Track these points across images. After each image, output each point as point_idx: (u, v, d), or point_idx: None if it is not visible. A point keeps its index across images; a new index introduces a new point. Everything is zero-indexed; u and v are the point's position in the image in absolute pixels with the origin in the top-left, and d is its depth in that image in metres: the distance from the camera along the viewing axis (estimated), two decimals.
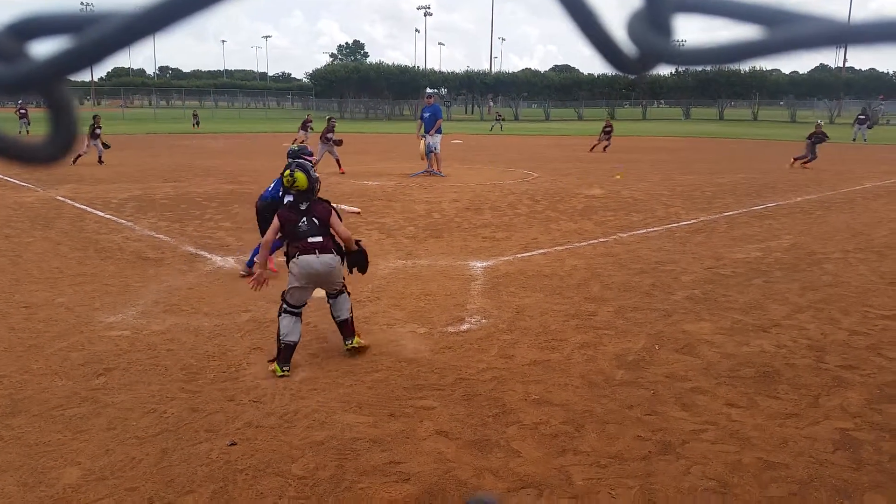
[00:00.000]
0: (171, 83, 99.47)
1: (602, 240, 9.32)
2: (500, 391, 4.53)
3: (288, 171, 5.03)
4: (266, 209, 6.67)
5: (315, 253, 4.84)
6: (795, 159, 19.45)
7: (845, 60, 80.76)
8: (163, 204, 12.13)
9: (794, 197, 13.49)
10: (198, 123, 42.08)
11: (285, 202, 5.35)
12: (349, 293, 5.19)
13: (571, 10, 0.34)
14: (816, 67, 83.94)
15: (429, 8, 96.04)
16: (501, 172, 17.97)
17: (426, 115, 16.85)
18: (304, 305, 4.94)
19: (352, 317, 5.14)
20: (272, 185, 7.17)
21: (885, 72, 75.64)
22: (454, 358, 5.08)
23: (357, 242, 5.16)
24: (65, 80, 0.34)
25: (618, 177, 16.53)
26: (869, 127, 34.00)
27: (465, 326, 5.79)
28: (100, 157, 19.17)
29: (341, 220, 5.06)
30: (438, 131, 16.62)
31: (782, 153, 25.81)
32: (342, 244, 5.05)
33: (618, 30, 0.34)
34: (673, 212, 11.63)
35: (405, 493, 3.37)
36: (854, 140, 33.11)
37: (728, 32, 0.33)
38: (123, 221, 10.40)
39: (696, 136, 37.97)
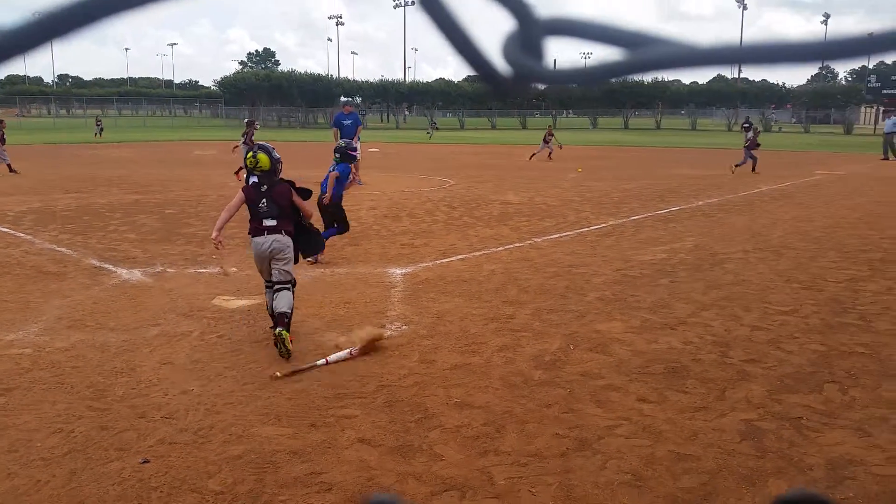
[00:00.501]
0: (72, 91, 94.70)
1: (518, 245, 9.50)
2: (421, 396, 4.54)
3: (251, 154, 5.47)
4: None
5: (264, 234, 5.31)
6: (736, 166, 20.40)
7: (740, 72, 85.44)
8: (64, 216, 11.54)
9: (696, 201, 14.15)
10: (101, 132, 40.30)
11: (250, 182, 5.73)
12: (293, 293, 5.43)
13: (448, 35, 0.36)
14: (714, 78, 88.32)
15: (340, 17, 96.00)
16: (419, 180, 18.06)
17: (346, 122, 16.56)
18: None
19: (290, 314, 5.27)
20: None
21: (776, 83, 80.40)
22: (375, 365, 5.06)
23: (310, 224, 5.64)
24: None
25: (578, 170, 17.29)
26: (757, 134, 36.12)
27: (385, 333, 5.77)
28: (9, 166, 18.14)
29: (305, 198, 5.50)
30: (357, 139, 16.52)
31: (683, 160, 27.06)
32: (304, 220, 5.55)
33: (493, 52, 0.37)
34: (584, 217, 11.98)
35: (327, 503, 3.34)
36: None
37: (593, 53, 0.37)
38: (21, 235, 9.82)
39: (604, 144, 39.27)
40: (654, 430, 4.10)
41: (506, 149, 34.39)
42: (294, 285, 5.50)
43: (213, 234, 5.47)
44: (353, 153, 8.55)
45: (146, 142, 36.75)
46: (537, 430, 4.08)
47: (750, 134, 20.78)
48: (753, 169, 20.26)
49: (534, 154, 25.93)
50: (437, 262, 8.42)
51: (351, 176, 9.52)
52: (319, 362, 5.00)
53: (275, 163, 5.45)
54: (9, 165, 18.24)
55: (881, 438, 4.00)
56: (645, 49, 0.35)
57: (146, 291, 6.95)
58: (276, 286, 5.35)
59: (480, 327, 5.95)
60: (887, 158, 26.34)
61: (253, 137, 16.68)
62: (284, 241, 5.38)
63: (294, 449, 3.83)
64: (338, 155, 8.37)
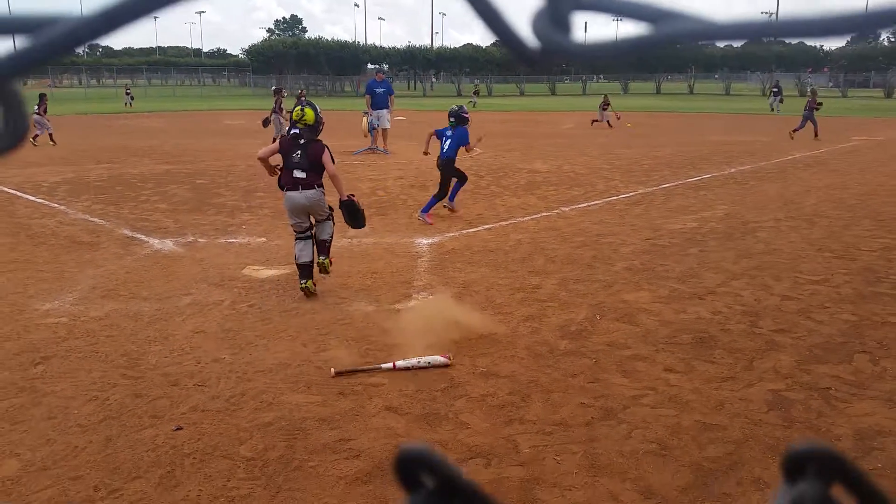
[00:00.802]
0: (102, 61, 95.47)
1: (545, 214, 9.46)
2: (448, 366, 4.58)
3: (299, 107, 5.89)
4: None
5: (298, 189, 5.72)
6: (794, 131, 20.01)
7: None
8: (97, 186, 11.74)
9: (728, 168, 13.90)
10: (132, 101, 40.65)
11: (290, 133, 5.92)
12: (334, 222, 6.04)
13: (479, 9, 0.37)
14: (749, 41, 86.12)
15: None
16: None
17: (379, 90, 16.59)
18: (308, 229, 5.90)
19: (330, 240, 5.99)
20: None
21: (813, 46, 78.00)
22: (402, 335, 5.11)
23: (350, 196, 5.91)
24: (19, 78, 0.35)
25: (629, 125, 16.80)
26: (781, 101, 35.52)
27: (412, 303, 5.83)
28: (50, 135, 18.56)
29: (334, 162, 5.85)
30: (390, 108, 16.61)
31: (717, 125, 26.52)
32: (334, 184, 5.86)
33: (523, 25, 0.37)
34: (612, 185, 11.86)
35: (356, 469, 3.41)
36: (772, 111, 34.47)
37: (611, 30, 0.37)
38: (56, 205, 10.03)
39: (635, 110, 38.62)
40: (680, 399, 4.10)
41: (534, 116, 34.04)
42: (332, 216, 6.04)
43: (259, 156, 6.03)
44: (466, 115, 9.41)
45: (176, 111, 37.04)
46: (562, 400, 4.11)
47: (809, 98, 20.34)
48: (816, 135, 19.75)
49: (595, 120, 25.54)
50: (464, 231, 8.42)
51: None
52: (385, 366, 4.52)
53: (318, 121, 5.87)
54: (50, 135, 18.66)
55: None
56: (668, 23, 0.35)
57: (178, 261, 7.08)
58: (318, 219, 5.95)
59: (507, 297, 5.96)
60: None
61: (283, 105, 16.93)
62: (317, 196, 5.82)
63: (323, 416, 3.91)
64: (452, 119, 9.32)
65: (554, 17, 0.36)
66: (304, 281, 5.82)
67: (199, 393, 4.19)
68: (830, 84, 68.12)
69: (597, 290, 6.12)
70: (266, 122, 17.07)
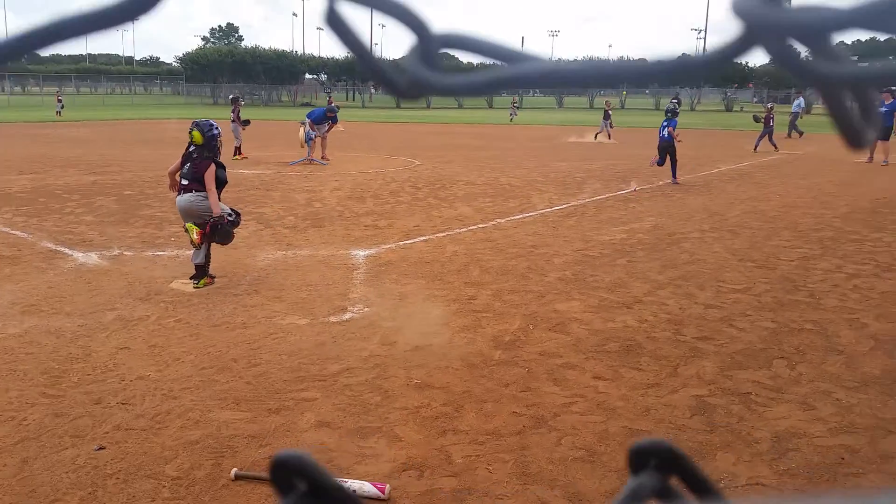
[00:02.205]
0: (28, 68, 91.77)
1: (481, 226, 9.55)
2: (382, 378, 4.58)
3: (190, 128, 6.43)
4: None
5: (180, 193, 6.37)
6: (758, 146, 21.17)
7: (704, 50, 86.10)
8: (19, 198, 11.26)
9: (657, 181, 14.34)
10: (62, 109, 39.13)
11: (188, 148, 6.48)
12: (200, 246, 6.31)
13: (350, 47, 0.40)
14: (679, 57, 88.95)
15: None
16: (383, 160, 17.97)
17: (334, 122, 17.22)
18: None
19: (200, 266, 6.38)
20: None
21: (739, 62, 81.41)
22: (336, 348, 5.08)
23: (219, 218, 6.24)
24: None
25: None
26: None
27: (347, 316, 5.79)
28: None
29: (211, 182, 6.23)
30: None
31: (646, 139, 27.32)
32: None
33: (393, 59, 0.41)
34: (547, 197, 12.08)
35: None
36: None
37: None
38: None
39: (569, 124, 39.46)
40: (608, 406, 4.20)
41: (471, 128, 34.37)
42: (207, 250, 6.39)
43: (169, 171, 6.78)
44: (677, 111, 13.88)
45: (105, 120, 35.90)
46: (495, 409, 4.16)
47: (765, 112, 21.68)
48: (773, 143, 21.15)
49: (597, 133, 25.42)
50: (401, 243, 8.43)
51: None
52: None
53: (208, 139, 6.33)
54: None
55: (824, 412, 4.15)
56: (520, 63, 0.39)
57: (103, 275, 6.85)
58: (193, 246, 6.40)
59: (442, 308, 5.99)
60: (790, 137, 27.01)
61: (240, 113, 17.00)
62: (193, 198, 6.27)
63: (252, 433, 3.84)
64: (669, 113, 14.43)
65: (423, 56, 0.39)
66: (193, 280, 6.41)
67: (122, 411, 4.06)
68: (755, 99, 71.04)
69: (530, 301, 6.21)
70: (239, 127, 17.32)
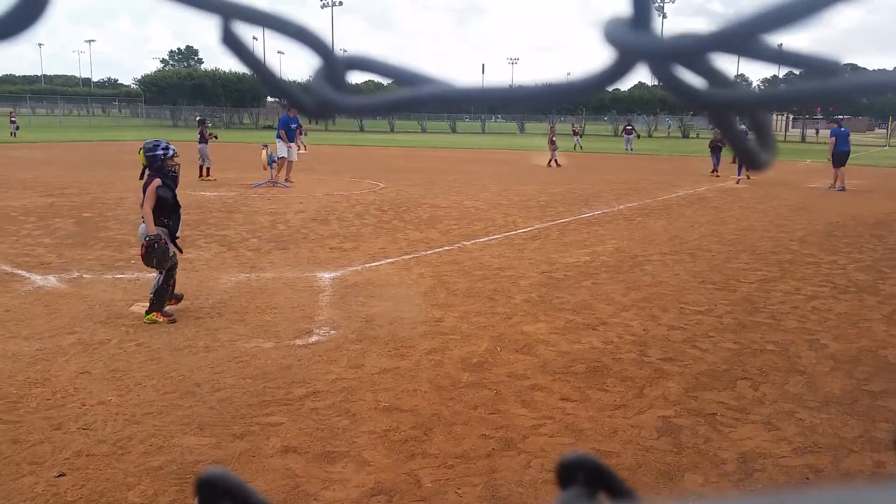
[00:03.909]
0: None
1: (447, 248, 9.58)
2: (349, 401, 4.53)
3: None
4: None
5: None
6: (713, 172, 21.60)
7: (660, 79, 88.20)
8: None
9: (618, 205, 14.58)
10: (17, 130, 38.24)
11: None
12: (160, 273, 6.01)
13: (251, 66, 0.42)
14: (636, 85, 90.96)
15: None
16: (348, 183, 17.94)
17: (294, 125, 17.13)
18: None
19: (155, 294, 5.99)
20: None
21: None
22: (302, 371, 5.02)
23: (153, 237, 5.87)
24: None
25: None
26: (637, 137, 38.69)
27: (313, 338, 5.74)
28: None
29: (147, 203, 5.98)
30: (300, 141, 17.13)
31: (606, 165, 27.81)
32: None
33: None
34: (511, 220, 12.18)
35: None
36: (625, 150, 36.92)
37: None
38: None
39: (531, 149, 39.97)
40: (576, 428, 4.22)
41: (435, 152, 34.56)
42: (162, 270, 6.03)
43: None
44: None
45: (62, 142, 35.17)
46: (464, 432, 4.14)
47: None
48: (714, 170, 21.68)
49: (549, 161, 25.19)
50: (367, 265, 8.40)
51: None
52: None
53: (150, 159, 6.13)
54: None
55: (788, 431, 4.24)
56: (421, 86, 0.41)
57: (62, 298, 6.68)
58: None
59: (409, 331, 5.97)
60: (735, 163, 27.86)
61: (208, 134, 17.44)
62: (140, 229, 6.12)
63: (217, 459, 3.76)
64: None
65: (329, 76, 0.42)
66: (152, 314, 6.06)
67: (83, 437, 3.95)
68: (711, 126, 72.82)
69: (497, 323, 6.23)
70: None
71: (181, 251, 6.32)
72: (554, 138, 25.56)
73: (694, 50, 0.35)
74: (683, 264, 8.79)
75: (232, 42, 0.40)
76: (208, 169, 17.37)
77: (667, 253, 9.48)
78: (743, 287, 7.69)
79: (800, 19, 0.32)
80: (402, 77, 0.40)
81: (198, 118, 19.81)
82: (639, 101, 78.13)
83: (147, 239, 5.88)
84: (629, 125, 40.64)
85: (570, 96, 0.40)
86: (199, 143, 17.28)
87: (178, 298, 6.40)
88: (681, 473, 3.75)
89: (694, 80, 0.36)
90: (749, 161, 0.39)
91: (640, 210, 13.93)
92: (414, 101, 0.40)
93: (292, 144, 16.97)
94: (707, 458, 3.92)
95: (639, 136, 38.54)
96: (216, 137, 17.96)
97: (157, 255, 5.89)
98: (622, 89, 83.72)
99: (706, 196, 16.74)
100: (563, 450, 3.93)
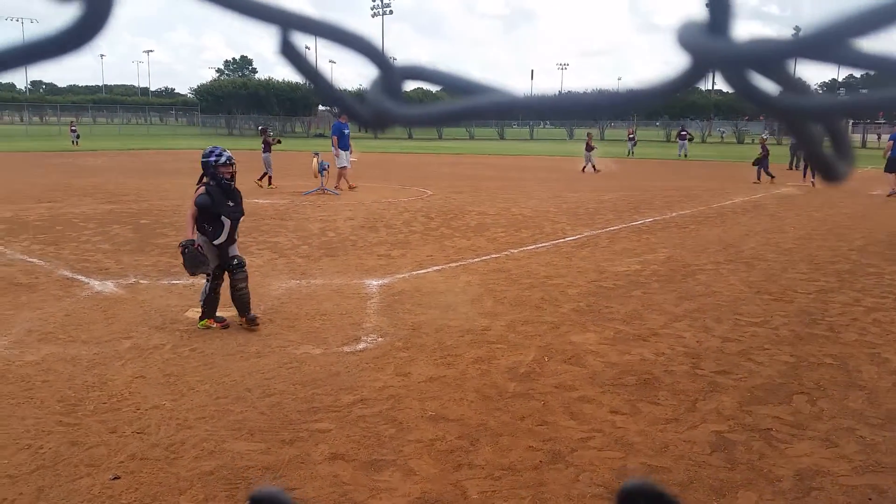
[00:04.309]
0: (45, 98, 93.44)
1: (494, 256, 9.55)
2: (396, 409, 4.54)
3: None
4: None
5: None
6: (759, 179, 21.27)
7: (714, 83, 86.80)
8: (36, 226, 11.38)
9: (670, 212, 14.32)
10: (77, 139, 39.77)
11: None
12: (207, 280, 6.11)
13: (308, 77, 0.41)
14: (628, 90, 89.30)
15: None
16: (396, 190, 18.07)
17: (347, 131, 17.37)
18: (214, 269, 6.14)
19: (202, 300, 6.12)
20: None
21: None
22: (350, 378, 5.06)
23: (184, 243, 5.92)
24: None
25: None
26: (690, 140, 38.05)
27: (361, 346, 5.78)
28: None
29: (189, 208, 6.07)
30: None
31: (657, 171, 27.38)
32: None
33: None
34: (560, 228, 12.07)
35: None
36: (679, 156, 36.24)
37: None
38: None
39: (580, 155, 39.64)
40: (626, 442, 4.14)
41: (482, 159, 34.56)
42: (205, 276, 6.14)
43: None
44: None
45: (121, 150, 36.38)
46: (511, 443, 4.10)
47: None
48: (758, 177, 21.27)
49: (584, 167, 25.52)
50: (414, 273, 8.43)
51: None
52: None
53: (203, 165, 6.11)
54: None
55: (847, 449, 4.07)
56: (478, 96, 0.40)
57: (119, 303, 6.88)
58: None
59: (456, 339, 5.96)
60: (791, 168, 27.11)
61: (273, 139, 18.07)
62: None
63: (267, 464, 3.81)
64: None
65: (386, 87, 0.40)
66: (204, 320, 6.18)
67: (138, 440, 4.05)
68: (766, 132, 71.12)
69: (545, 332, 6.17)
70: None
71: (232, 259, 6.12)
72: (591, 143, 25.68)
73: (776, 56, 0.33)
74: (738, 274, 8.57)
75: (290, 53, 0.39)
76: (270, 178, 17.80)
77: (721, 262, 9.26)
78: (800, 298, 7.45)
79: (891, 22, 0.30)
80: (458, 86, 0.40)
81: (259, 128, 20.49)
82: (692, 106, 76.70)
83: (180, 244, 5.96)
84: (683, 130, 40.05)
85: (638, 104, 0.38)
86: (263, 152, 17.75)
87: (223, 320, 6.16)
88: (734, 490, 3.64)
89: (768, 86, 0.34)
90: (826, 173, 0.37)
91: (692, 217, 13.65)
92: (472, 111, 0.38)
93: (344, 152, 17.17)
94: (762, 475, 3.80)
95: (691, 139, 37.96)
96: (279, 142, 18.52)
97: (186, 260, 5.88)
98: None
99: (762, 203, 16.31)
100: (612, 464, 3.86)
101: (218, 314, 6.18)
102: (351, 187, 17.30)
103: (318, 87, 0.40)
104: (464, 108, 0.39)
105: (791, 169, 26.83)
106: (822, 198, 17.45)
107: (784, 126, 0.37)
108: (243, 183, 6.73)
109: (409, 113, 0.39)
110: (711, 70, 0.35)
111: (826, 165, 0.37)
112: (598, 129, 69.38)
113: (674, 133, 49.96)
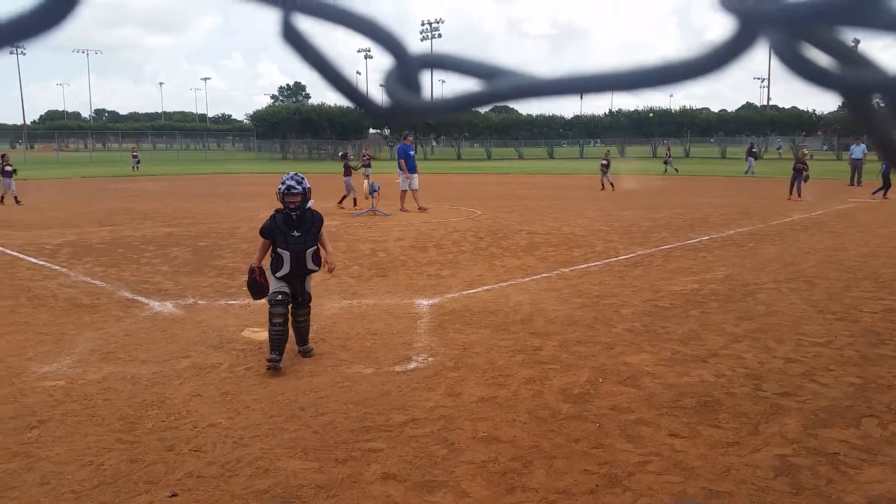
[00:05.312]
0: (108, 126, 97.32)
1: (545, 275, 9.46)
2: (448, 430, 4.51)
3: None
4: None
5: None
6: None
7: (769, 98, 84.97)
8: (98, 249, 11.79)
9: (727, 230, 13.98)
10: (138, 164, 41.23)
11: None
12: (273, 308, 5.75)
13: (312, 63, 0.39)
14: (743, 105, 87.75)
15: (369, 51, 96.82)
16: (445, 210, 18.13)
17: (412, 152, 17.94)
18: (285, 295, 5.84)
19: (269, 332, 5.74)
20: None
21: (806, 110, 79.51)
22: (401, 398, 5.05)
23: (250, 267, 5.88)
24: None
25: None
26: (756, 158, 37.36)
27: (412, 365, 5.77)
28: (15, 198, 19.35)
29: (262, 240, 5.90)
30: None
31: (714, 188, 26.83)
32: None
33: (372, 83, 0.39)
34: (612, 246, 11.90)
35: None
36: (746, 173, 35.48)
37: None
38: (57, 267, 10.04)
39: (631, 173, 39.14)
40: (685, 465, 4.01)
41: (532, 178, 34.45)
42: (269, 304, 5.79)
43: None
44: None
45: (180, 175, 37.51)
46: (566, 466, 4.02)
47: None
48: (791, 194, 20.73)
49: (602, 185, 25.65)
50: (464, 292, 8.41)
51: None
52: None
53: (278, 192, 5.90)
54: (15, 198, 19.87)
55: None
56: (499, 80, 0.37)
57: (177, 323, 7.04)
58: None
59: (507, 359, 5.90)
60: (853, 184, 26.19)
61: (352, 165, 18.56)
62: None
63: (320, 483, 3.82)
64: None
65: (402, 77, 0.38)
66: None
67: (194, 458, 4.11)
68: (825, 147, 69.15)
69: (598, 352, 6.06)
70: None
71: (299, 293, 5.83)
72: (605, 161, 25.93)
73: (826, 16, 0.30)
74: (800, 293, 8.28)
75: (293, 38, 0.38)
76: (354, 199, 18.33)
77: (781, 280, 8.97)
78: (865, 317, 7.15)
79: None
80: (480, 71, 0.38)
81: (340, 153, 21.39)
82: (747, 122, 75.14)
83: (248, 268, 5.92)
84: (754, 147, 39.27)
85: (680, 78, 0.36)
86: (345, 176, 18.36)
87: (274, 361, 5.56)
88: None
89: (823, 60, 0.32)
90: (891, 152, 0.34)
91: (751, 235, 13.30)
92: (488, 96, 0.37)
93: (412, 175, 17.47)
94: (830, 502, 3.63)
95: (757, 158, 37.31)
96: (371, 158, 18.82)
97: (248, 285, 5.86)
98: (729, 110, 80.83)
99: (822, 220, 15.80)
100: (672, 489, 3.74)
101: (272, 355, 5.61)
102: (421, 209, 17.46)
103: (326, 77, 0.39)
104: (482, 93, 0.37)
105: (852, 185, 26.00)
106: (887, 213, 16.82)
107: (844, 104, 0.34)
108: (320, 206, 6.70)
109: (426, 104, 0.38)
110: (758, 34, 0.32)
111: (892, 144, 0.34)
112: (651, 147, 68.52)
113: (744, 149, 48.63)
